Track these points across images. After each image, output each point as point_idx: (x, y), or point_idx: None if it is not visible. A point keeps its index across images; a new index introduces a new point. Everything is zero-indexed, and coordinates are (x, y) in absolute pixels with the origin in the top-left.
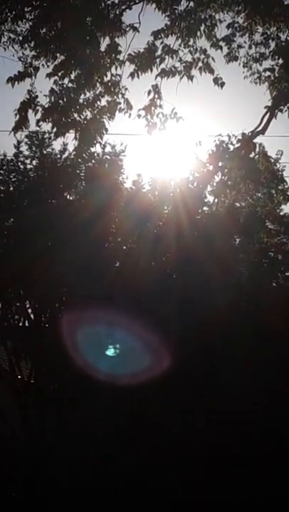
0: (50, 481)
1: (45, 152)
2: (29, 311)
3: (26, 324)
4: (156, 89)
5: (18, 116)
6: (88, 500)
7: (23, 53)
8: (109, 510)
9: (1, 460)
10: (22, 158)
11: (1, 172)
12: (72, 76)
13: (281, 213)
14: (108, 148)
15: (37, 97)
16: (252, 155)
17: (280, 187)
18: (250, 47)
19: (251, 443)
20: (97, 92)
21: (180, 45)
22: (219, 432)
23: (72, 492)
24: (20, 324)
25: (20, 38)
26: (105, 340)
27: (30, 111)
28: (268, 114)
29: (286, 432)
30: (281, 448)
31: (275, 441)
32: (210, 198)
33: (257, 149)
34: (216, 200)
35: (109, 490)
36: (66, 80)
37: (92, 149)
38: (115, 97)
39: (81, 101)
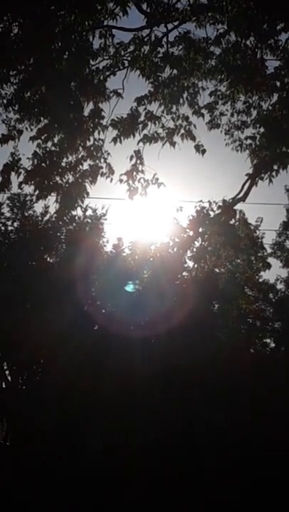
0: None
1: (26, 214)
2: (7, 373)
3: (3, 385)
4: (138, 154)
5: (0, 178)
6: None
7: (6, 116)
8: None
9: None
10: (3, 220)
11: None
12: (56, 140)
13: (260, 280)
14: (89, 212)
15: (20, 159)
16: (232, 221)
17: (259, 254)
18: (232, 115)
19: None
20: (80, 156)
21: (163, 112)
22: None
23: None
24: None
25: (5, 101)
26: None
27: (12, 173)
28: (248, 182)
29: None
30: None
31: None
32: (190, 263)
33: (237, 216)
34: (195, 266)
35: None
36: (49, 144)
37: (74, 212)
38: (97, 161)
39: (63, 164)
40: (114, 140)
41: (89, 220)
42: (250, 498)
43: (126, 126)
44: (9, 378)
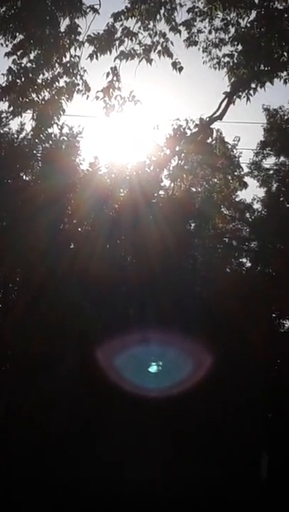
0: None
1: (1, 131)
2: None
3: None
4: (114, 71)
5: None
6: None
7: None
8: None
9: None
10: None
11: None
12: (31, 56)
13: (237, 199)
14: (66, 130)
15: None
16: (209, 140)
17: (236, 173)
18: (210, 32)
19: None
20: (56, 73)
21: (140, 28)
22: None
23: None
24: None
25: None
26: None
27: None
28: (226, 100)
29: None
30: None
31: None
32: (166, 182)
33: (214, 135)
34: (172, 185)
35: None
36: (25, 60)
37: (50, 130)
38: (74, 78)
39: (39, 81)
40: (91, 56)
41: (65, 138)
42: None
43: (102, 43)
44: None
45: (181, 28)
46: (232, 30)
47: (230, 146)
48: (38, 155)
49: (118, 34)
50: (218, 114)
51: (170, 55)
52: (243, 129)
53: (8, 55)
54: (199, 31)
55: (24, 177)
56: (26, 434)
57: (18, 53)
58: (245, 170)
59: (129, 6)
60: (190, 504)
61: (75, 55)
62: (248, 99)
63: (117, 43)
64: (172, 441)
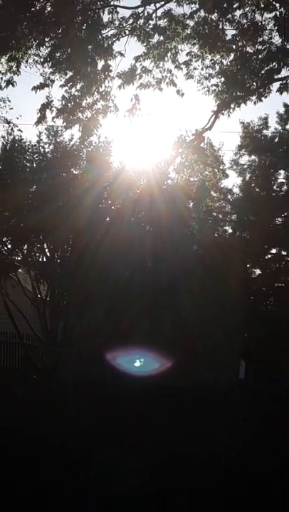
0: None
1: (58, 140)
2: (46, 250)
3: (44, 259)
4: (136, 97)
5: (39, 114)
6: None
7: (43, 70)
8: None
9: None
10: (42, 144)
11: (28, 153)
12: (78, 87)
13: (221, 186)
14: (102, 138)
15: (52, 101)
16: (202, 145)
17: (220, 167)
18: (202, 69)
19: None
20: (95, 99)
21: (153, 67)
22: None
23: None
24: (40, 259)
25: (41, 59)
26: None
27: (47, 110)
28: (213, 116)
29: None
30: None
31: None
32: (172, 175)
33: (205, 141)
34: (176, 176)
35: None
36: (73, 90)
37: (91, 139)
38: (107, 102)
39: (83, 104)
40: (119, 87)
41: (102, 144)
42: None
43: (127, 77)
44: (48, 254)
45: (182, 66)
46: (217, 67)
47: (216, 149)
48: (83, 156)
49: (138, 71)
50: (208, 126)
51: (175, 85)
52: (226, 136)
53: (61, 86)
54: (195, 68)
55: (74, 171)
56: (78, 350)
57: (69, 85)
58: (227, 165)
59: (145, 51)
60: None
61: (108, 86)
62: (228, 115)
63: (137, 77)
64: None
